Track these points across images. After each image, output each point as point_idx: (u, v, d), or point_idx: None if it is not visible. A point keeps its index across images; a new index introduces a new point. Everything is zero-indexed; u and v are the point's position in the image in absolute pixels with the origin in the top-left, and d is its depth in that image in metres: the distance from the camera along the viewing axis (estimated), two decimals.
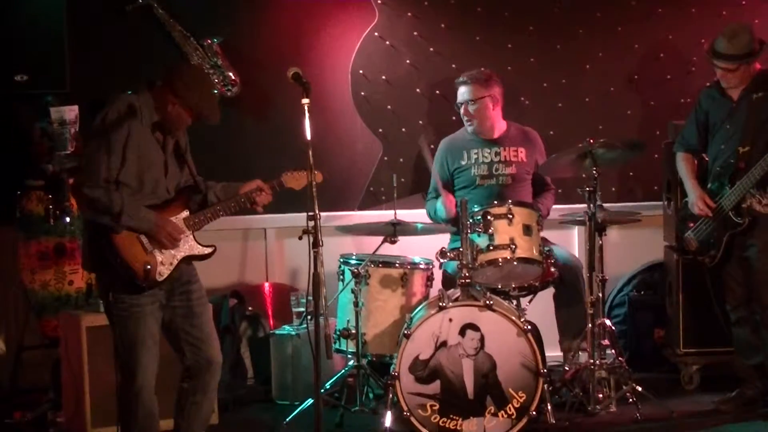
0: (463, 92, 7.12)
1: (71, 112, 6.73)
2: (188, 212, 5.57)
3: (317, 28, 7.53)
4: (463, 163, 7.15)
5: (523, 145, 7.16)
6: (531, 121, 7.34)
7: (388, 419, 6.16)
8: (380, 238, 6.62)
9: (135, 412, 5.43)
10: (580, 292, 6.81)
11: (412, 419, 6.06)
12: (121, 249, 5.33)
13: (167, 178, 5.53)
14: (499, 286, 6.56)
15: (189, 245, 5.55)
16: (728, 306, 6.71)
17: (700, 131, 6.73)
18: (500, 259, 6.35)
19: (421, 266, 6.72)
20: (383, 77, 7.63)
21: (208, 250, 5.62)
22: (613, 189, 7.76)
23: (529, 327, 6.12)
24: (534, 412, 6.07)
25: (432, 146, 7.25)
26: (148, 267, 5.37)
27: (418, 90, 7.67)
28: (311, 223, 5.32)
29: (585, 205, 6.52)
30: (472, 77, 7.10)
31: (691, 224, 6.71)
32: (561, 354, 6.98)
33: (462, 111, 7.14)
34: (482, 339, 6.08)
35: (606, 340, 6.52)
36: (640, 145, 6.87)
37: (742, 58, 6.46)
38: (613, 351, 6.58)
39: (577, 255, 7.43)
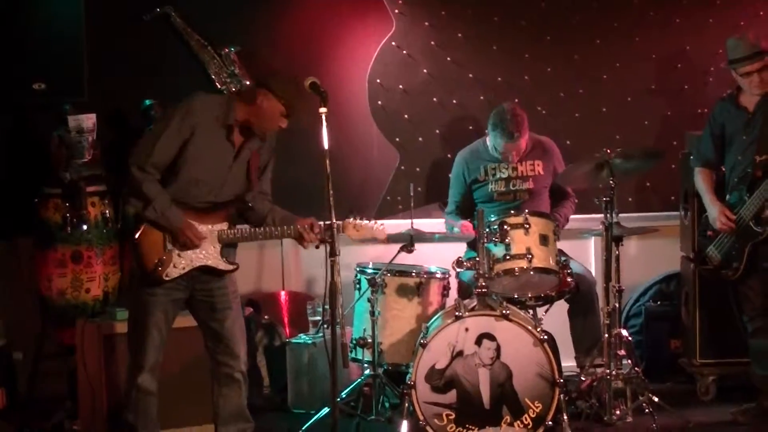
0: (512, 146, 6.96)
1: (89, 120, 6.73)
2: (227, 225, 5.61)
3: (334, 38, 7.53)
4: (480, 178, 7.13)
5: (540, 157, 7.13)
6: (548, 131, 7.33)
7: (404, 428, 6.15)
8: (396, 247, 6.62)
9: (133, 392, 5.66)
10: (594, 304, 6.82)
11: (428, 429, 6.05)
12: (142, 237, 5.50)
13: (226, 184, 5.60)
14: (516, 296, 6.55)
15: (211, 257, 5.61)
16: (745, 316, 6.68)
17: (716, 145, 6.70)
18: (517, 269, 6.34)
19: (438, 275, 6.71)
20: (400, 86, 7.63)
21: (229, 267, 5.69)
22: (630, 199, 7.75)
23: (546, 337, 6.11)
24: (550, 422, 6.07)
25: None
26: (160, 264, 5.49)
27: (435, 99, 7.66)
28: (328, 232, 5.35)
29: (601, 215, 6.51)
30: (517, 130, 6.89)
31: (711, 235, 6.68)
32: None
33: (503, 157, 7.04)
34: (498, 348, 6.08)
35: (622, 351, 6.51)
36: (657, 154, 6.85)
37: (764, 53, 6.45)
38: (629, 361, 6.58)
39: (593, 265, 7.44)
